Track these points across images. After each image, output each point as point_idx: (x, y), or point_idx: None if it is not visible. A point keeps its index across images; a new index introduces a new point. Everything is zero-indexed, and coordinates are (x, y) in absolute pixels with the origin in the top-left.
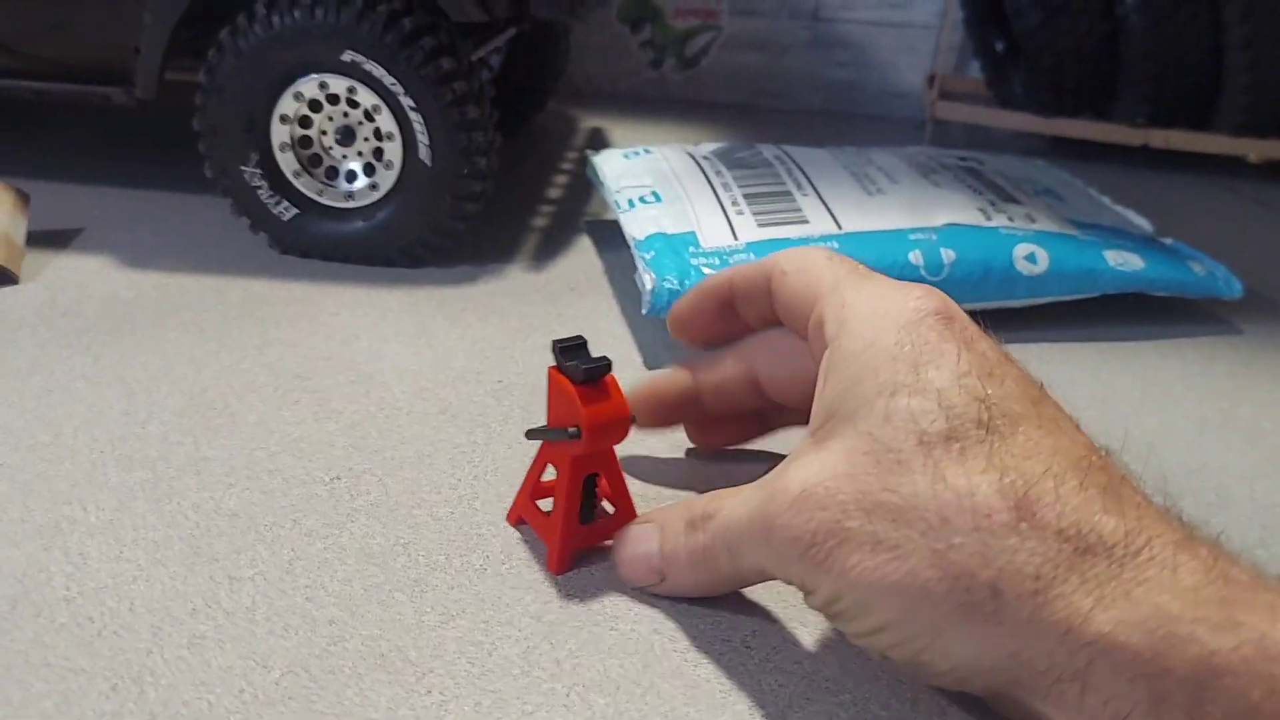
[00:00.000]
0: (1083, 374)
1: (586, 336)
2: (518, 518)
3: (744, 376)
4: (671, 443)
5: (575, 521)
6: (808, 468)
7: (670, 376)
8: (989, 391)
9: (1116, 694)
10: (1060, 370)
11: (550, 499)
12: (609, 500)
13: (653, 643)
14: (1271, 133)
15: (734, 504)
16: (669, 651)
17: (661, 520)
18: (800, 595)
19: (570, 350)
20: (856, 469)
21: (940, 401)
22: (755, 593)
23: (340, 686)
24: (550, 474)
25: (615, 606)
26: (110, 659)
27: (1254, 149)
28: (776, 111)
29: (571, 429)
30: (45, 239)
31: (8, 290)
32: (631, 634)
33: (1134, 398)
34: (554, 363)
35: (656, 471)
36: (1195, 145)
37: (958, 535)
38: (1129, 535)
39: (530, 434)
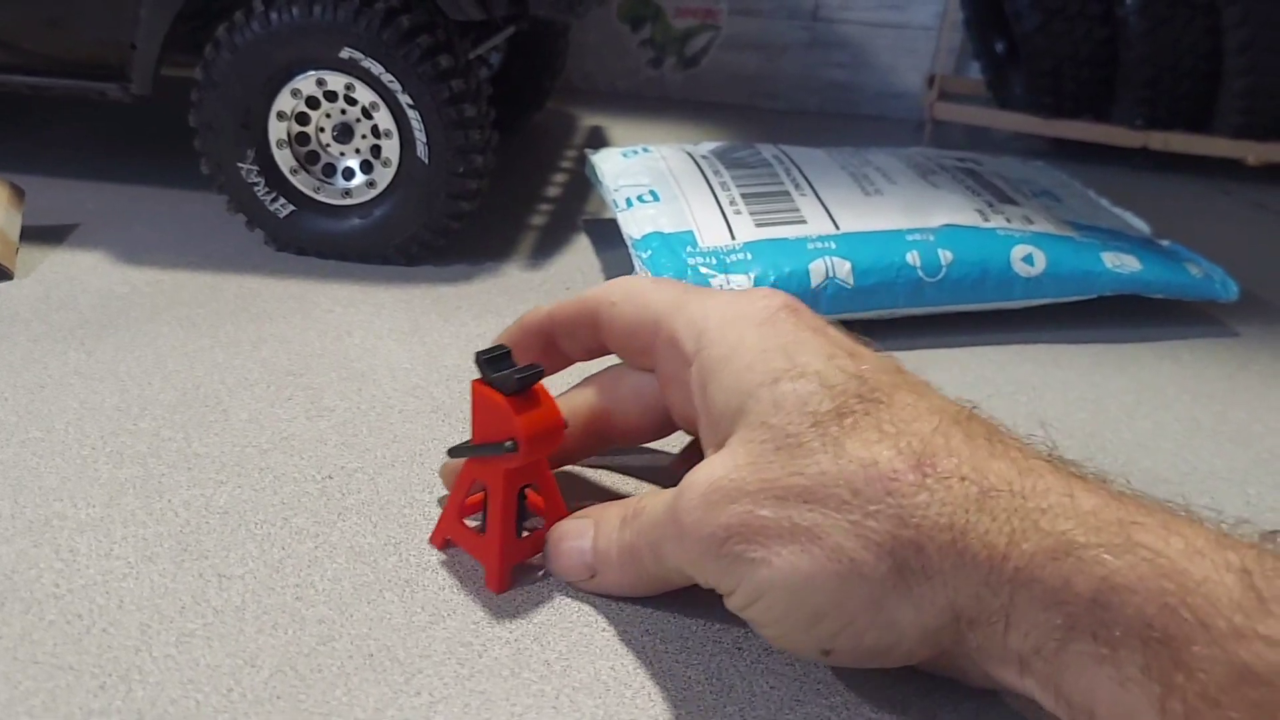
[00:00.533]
0: (1076, 376)
1: None
2: (444, 540)
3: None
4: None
5: (513, 537)
6: (711, 466)
7: None
8: (861, 367)
9: (1035, 625)
10: (1054, 372)
11: (472, 516)
12: (540, 511)
13: (644, 644)
14: (1269, 135)
15: (655, 503)
16: (660, 653)
17: (597, 516)
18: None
19: (496, 361)
20: (759, 459)
21: (821, 382)
22: None
23: (328, 686)
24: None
25: (606, 609)
26: (98, 656)
27: (1251, 151)
28: (775, 112)
29: (507, 443)
30: (40, 234)
31: (2, 286)
32: (623, 635)
33: (1128, 400)
34: (478, 375)
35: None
36: (1193, 148)
37: (871, 504)
38: (1022, 473)
39: (456, 451)
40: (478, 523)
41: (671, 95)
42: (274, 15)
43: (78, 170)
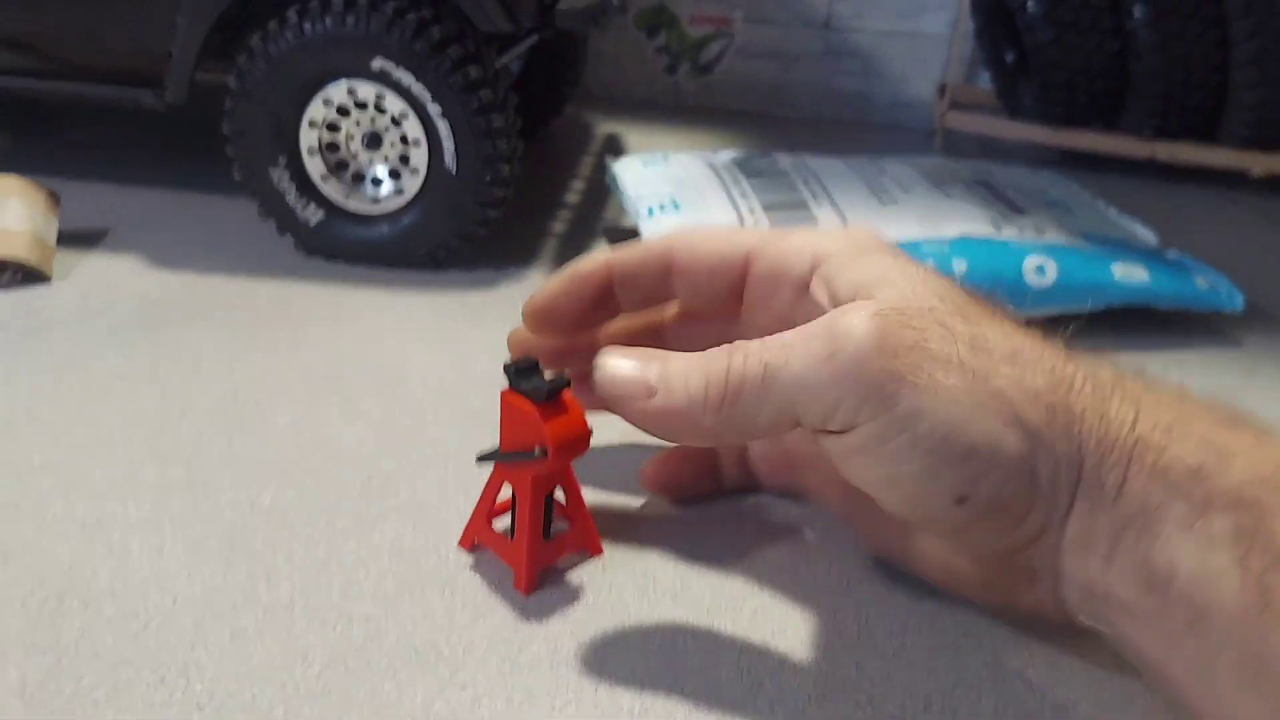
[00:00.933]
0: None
1: None
2: (472, 542)
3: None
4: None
5: (540, 541)
6: (870, 300)
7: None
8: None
9: (1138, 493)
10: None
11: (499, 519)
12: (566, 515)
13: (674, 641)
14: (1275, 147)
15: (778, 334)
16: (690, 650)
17: (658, 353)
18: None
19: (525, 372)
20: (925, 302)
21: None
22: (776, 592)
23: (378, 680)
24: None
25: (639, 608)
26: (156, 651)
27: (1257, 163)
28: (788, 120)
29: (537, 449)
30: (74, 239)
31: (41, 289)
32: (653, 632)
33: None
34: (507, 386)
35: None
36: (1200, 159)
37: (1034, 362)
38: (1135, 375)
39: (484, 458)
40: (505, 525)
41: (686, 102)
42: (308, 25)
43: (106, 174)
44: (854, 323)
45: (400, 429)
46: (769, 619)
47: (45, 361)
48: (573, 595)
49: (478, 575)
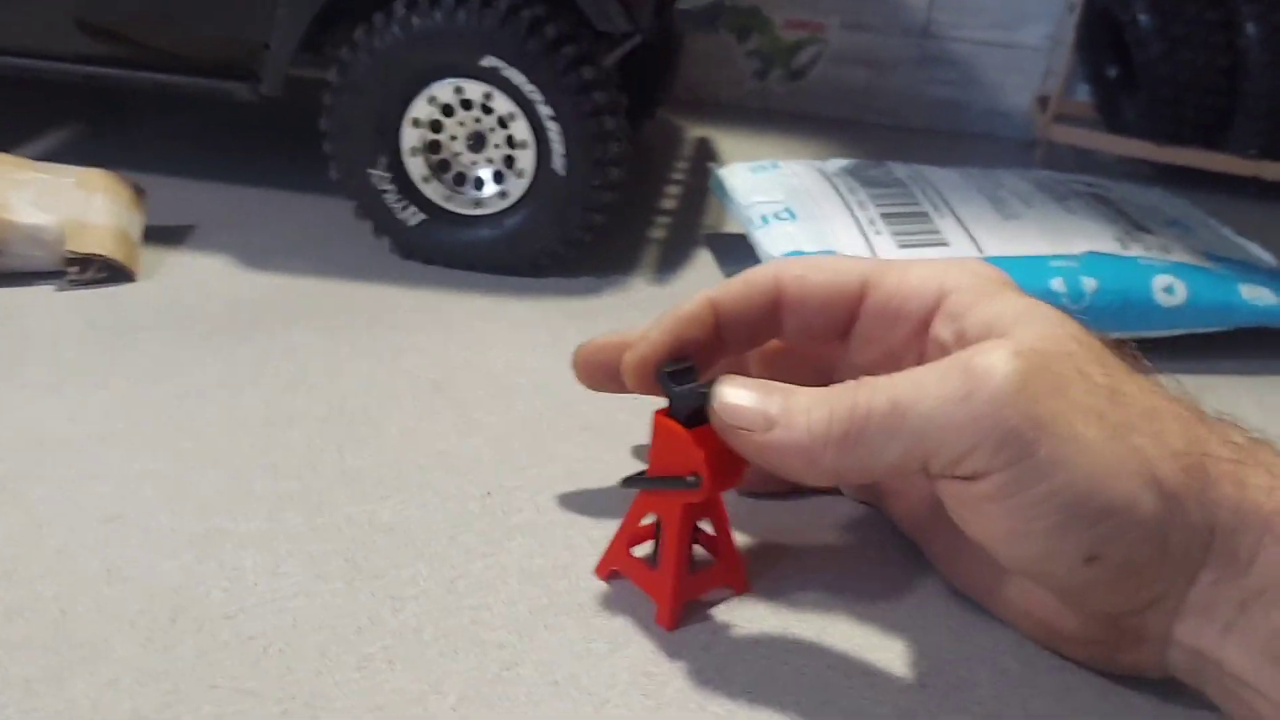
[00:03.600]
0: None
1: None
2: (609, 571)
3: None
4: None
5: (687, 573)
6: (1008, 341)
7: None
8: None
9: (1270, 564)
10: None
11: (638, 547)
12: (710, 548)
13: (828, 679)
14: None
15: (909, 371)
16: (845, 689)
17: (780, 385)
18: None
19: (680, 375)
20: (1064, 348)
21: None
22: (927, 628)
23: (520, 714)
24: None
25: (785, 640)
26: (279, 679)
27: None
28: (881, 127)
29: (690, 477)
30: (159, 235)
31: (126, 288)
32: (805, 669)
33: (1268, 435)
34: (661, 385)
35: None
36: None
37: (1171, 423)
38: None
39: (630, 482)
40: (645, 554)
41: (775, 107)
42: (415, 19)
43: (192, 168)
44: (994, 362)
45: (517, 443)
46: (923, 656)
47: (141, 366)
48: (717, 631)
49: (610, 602)
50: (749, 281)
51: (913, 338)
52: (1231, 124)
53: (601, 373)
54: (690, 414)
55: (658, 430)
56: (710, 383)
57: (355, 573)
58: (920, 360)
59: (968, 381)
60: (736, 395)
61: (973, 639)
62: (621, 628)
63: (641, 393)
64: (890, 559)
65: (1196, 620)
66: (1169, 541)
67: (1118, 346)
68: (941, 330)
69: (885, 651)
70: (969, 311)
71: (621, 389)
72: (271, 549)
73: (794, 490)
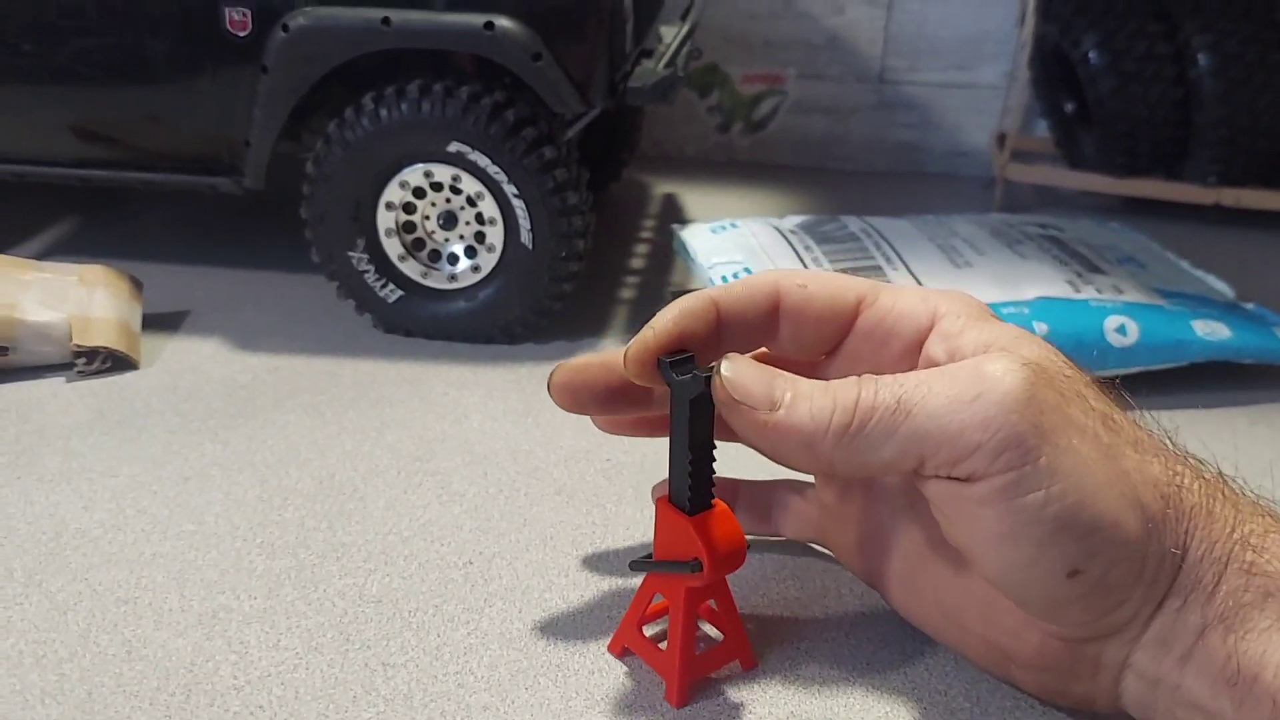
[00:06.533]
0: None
1: None
2: (623, 648)
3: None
4: None
5: (693, 654)
6: (1011, 354)
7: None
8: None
9: (1234, 589)
10: None
11: (650, 624)
12: (718, 626)
13: None
14: None
15: (914, 371)
16: None
17: (786, 373)
18: None
19: (679, 364)
20: (1059, 371)
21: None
22: (944, 694)
23: None
24: None
25: (744, 688)
26: None
27: None
28: (843, 173)
29: (691, 562)
30: (157, 322)
31: (130, 376)
32: (766, 715)
33: (1225, 467)
34: (661, 374)
35: None
36: (1267, 203)
37: (1151, 456)
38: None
39: (637, 566)
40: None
41: (739, 159)
42: (384, 112)
43: (184, 256)
44: (1004, 369)
45: (495, 510)
46: None
47: (147, 452)
48: (726, 709)
49: (587, 660)
50: (750, 285)
51: (901, 358)
52: (1188, 153)
53: (585, 393)
54: (694, 404)
55: (661, 515)
56: (710, 368)
57: (348, 644)
58: None
59: (978, 384)
60: (744, 372)
61: (988, 708)
62: (599, 685)
63: (643, 382)
64: (898, 628)
65: (1156, 648)
66: (1145, 565)
67: (1101, 383)
68: (935, 349)
69: None
70: (964, 333)
71: (603, 410)
72: (272, 624)
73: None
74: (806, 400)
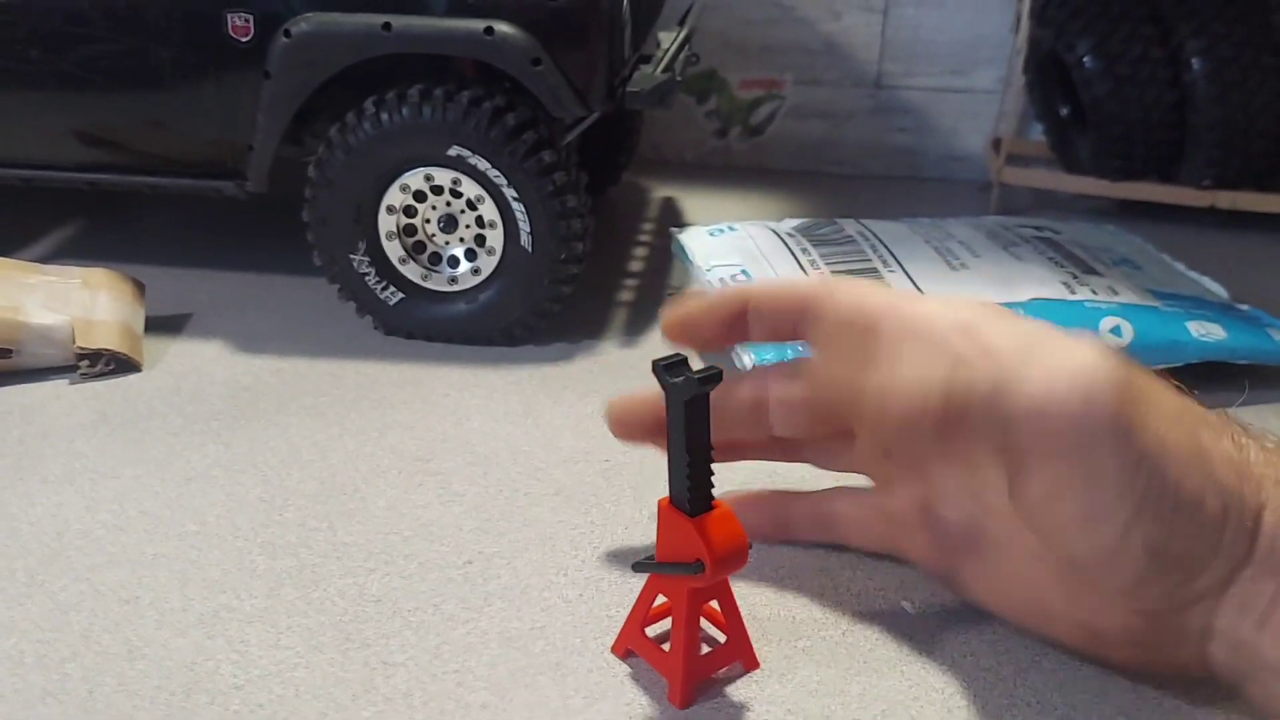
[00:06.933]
0: None
1: None
2: (626, 649)
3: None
4: None
5: (697, 655)
6: (1100, 343)
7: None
8: None
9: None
10: None
11: (654, 625)
12: (721, 627)
13: None
14: None
15: (1013, 362)
16: None
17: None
18: None
19: (673, 368)
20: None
21: None
22: (939, 698)
23: None
24: None
25: (746, 688)
26: None
27: None
28: (840, 177)
29: (694, 563)
30: (160, 325)
31: (133, 378)
32: (767, 715)
33: None
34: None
35: None
36: (1262, 205)
37: (1218, 431)
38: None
39: (639, 567)
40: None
41: (737, 163)
42: (385, 116)
43: (187, 259)
44: (1096, 358)
45: (495, 510)
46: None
47: (149, 453)
48: (728, 709)
49: (585, 660)
50: (783, 292)
51: (935, 359)
52: (1183, 156)
53: (638, 428)
54: (690, 406)
55: (663, 517)
56: (708, 370)
57: (348, 643)
58: None
59: (1072, 376)
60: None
61: (986, 702)
62: (597, 684)
63: (674, 339)
64: (900, 628)
65: (1235, 614)
66: (1222, 539)
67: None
68: (965, 349)
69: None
70: (992, 331)
71: (652, 441)
72: (272, 624)
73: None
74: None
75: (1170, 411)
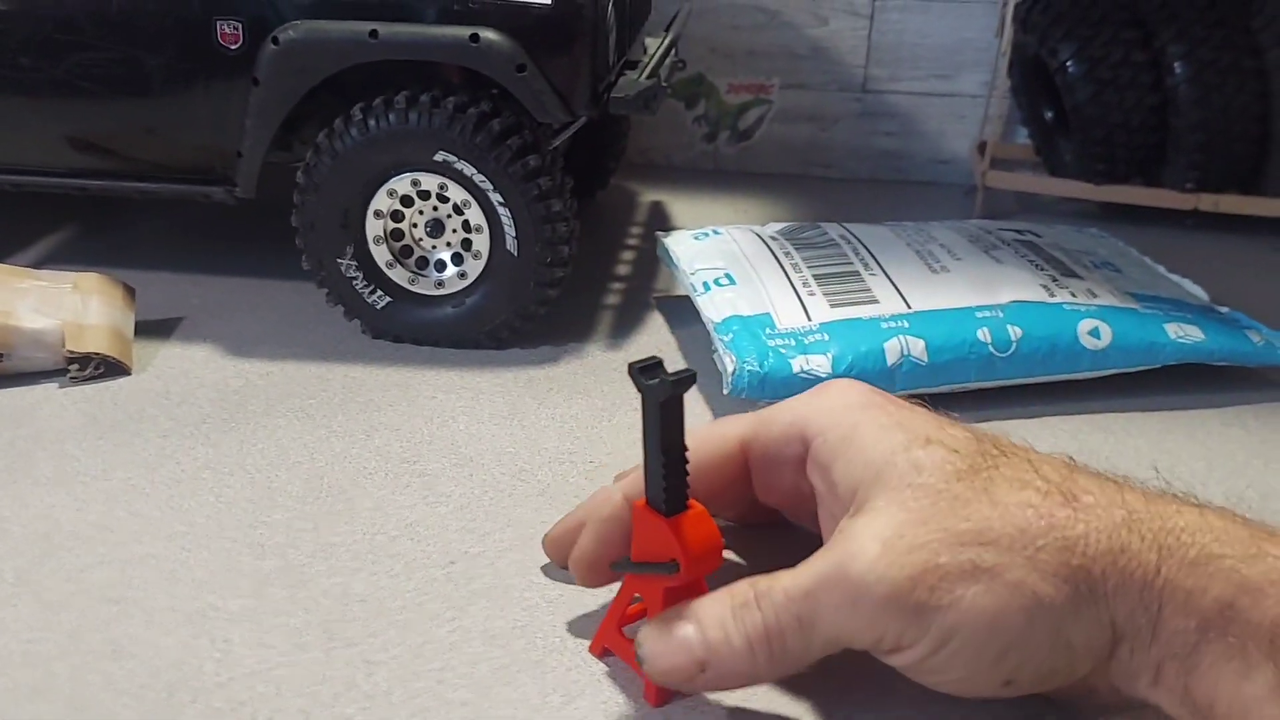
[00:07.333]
0: (1147, 444)
1: None
2: (603, 649)
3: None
4: None
5: None
6: (872, 526)
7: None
8: (967, 433)
9: (1175, 632)
10: (1126, 440)
11: (633, 625)
12: None
13: None
14: None
15: (796, 578)
16: None
17: (692, 612)
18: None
19: (649, 370)
20: (922, 513)
21: (949, 446)
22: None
23: None
24: None
25: (726, 692)
26: None
27: None
28: (827, 180)
29: (669, 563)
30: (150, 329)
31: (123, 381)
32: (740, 713)
33: (1199, 468)
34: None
35: None
36: (1244, 208)
37: (1038, 539)
38: (1150, 500)
39: (617, 567)
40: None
41: (725, 167)
42: (372, 122)
43: (178, 264)
44: (867, 566)
45: (479, 511)
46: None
47: (139, 456)
48: (702, 708)
49: (565, 658)
50: (785, 423)
51: (799, 477)
52: (1166, 160)
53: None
54: (664, 408)
55: (638, 519)
56: (683, 372)
57: (332, 642)
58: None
59: (852, 589)
60: (657, 651)
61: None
62: (576, 681)
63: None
64: None
65: (1126, 680)
66: (1073, 645)
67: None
68: (816, 481)
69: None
70: (832, 466)
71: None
72: (257, 623)
73: (778, 519)
74: (723, 644)
75: (963, 566)
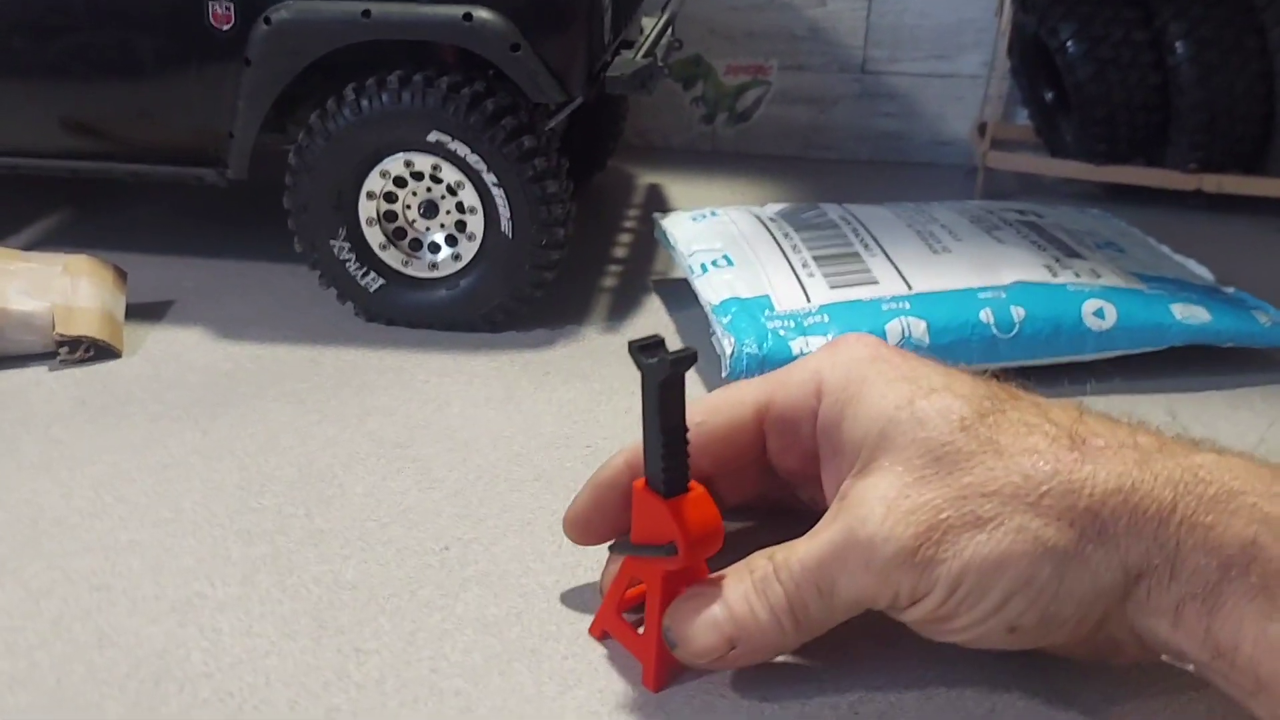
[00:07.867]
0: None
1: None
2: (602, 632)
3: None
4: None
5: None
6: (878, 488)
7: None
8: (973, 380)
9: (1196, 569)
10: None
11: (632, 608)
12: None
13: (762, 710)
14: None
15: (810, 548)
16: (776, 717)
17: (715, 591)
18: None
19: (650, 348)
20: (924, 470)
21: (952, 394)
22: (911, 681)
23: None
24: None
25: (724, 675)
26: None
27: None
28: (827, 161)
29: (667, 545)
30: (140, 312)
31: (113, 364)
32: (741, 703)
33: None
34: (633, 360)
35: None
36: (1247, 189)
37: (1042, 485)
38: (1164, 443)
39: (615, 549)
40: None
41: (724, 149)
42: (365, 102)
43: (170, 247)
44: (875, 528)
45: (474, 496)
46: (855, 687)
47: (127, 440)
48: (702, 692)
49: (561, 646)
50: (801, 389)
51: (814, 437)
52: (1168, 140)
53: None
54: (664, 387)
55: (638, 500)
56: (683, 351)
57: (321, 630)
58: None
59: (862, 552)
60: (686, 634)
61: (966, 694)
62: (571, 669)
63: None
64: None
65: (1147, 619)
66: (1078, 589)
67: (982, 379)
68: (822, 442)
69: (871, 706)
70: (840, 425)
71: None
72: (246, 611)
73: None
74: (751, 621)
75: (967, 517)
